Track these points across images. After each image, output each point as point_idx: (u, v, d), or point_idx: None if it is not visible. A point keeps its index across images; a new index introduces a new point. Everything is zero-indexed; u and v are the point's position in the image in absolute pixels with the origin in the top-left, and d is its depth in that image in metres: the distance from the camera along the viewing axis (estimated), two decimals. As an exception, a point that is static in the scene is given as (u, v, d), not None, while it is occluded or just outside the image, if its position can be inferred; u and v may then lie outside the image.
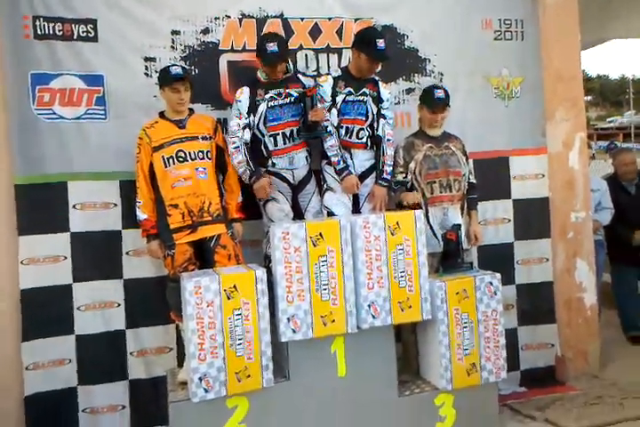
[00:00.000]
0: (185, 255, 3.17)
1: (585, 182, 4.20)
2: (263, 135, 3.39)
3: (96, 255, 3.36)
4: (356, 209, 3.53)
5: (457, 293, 3.13)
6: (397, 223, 3.07)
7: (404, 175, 3.51)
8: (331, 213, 3.43)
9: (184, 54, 3.55)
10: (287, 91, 3.39)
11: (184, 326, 2.89)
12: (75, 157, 3.37)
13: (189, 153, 3.19)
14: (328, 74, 3.50)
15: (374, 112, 3.49)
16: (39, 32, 3.31)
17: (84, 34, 3.39)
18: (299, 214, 3.48)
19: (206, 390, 2.75)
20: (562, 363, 4.05)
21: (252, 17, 3.64)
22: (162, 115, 3.27)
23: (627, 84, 35.32)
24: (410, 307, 3.06)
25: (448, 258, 3.39)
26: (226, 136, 3.36)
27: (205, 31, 3.58)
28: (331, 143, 3.39)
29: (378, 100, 3.49)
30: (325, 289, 2.95)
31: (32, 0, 3.29)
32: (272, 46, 3.23)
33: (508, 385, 3.79)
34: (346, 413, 3.00)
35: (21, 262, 3.27)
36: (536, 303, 4.01)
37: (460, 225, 3.45)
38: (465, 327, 3.13)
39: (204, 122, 3.30)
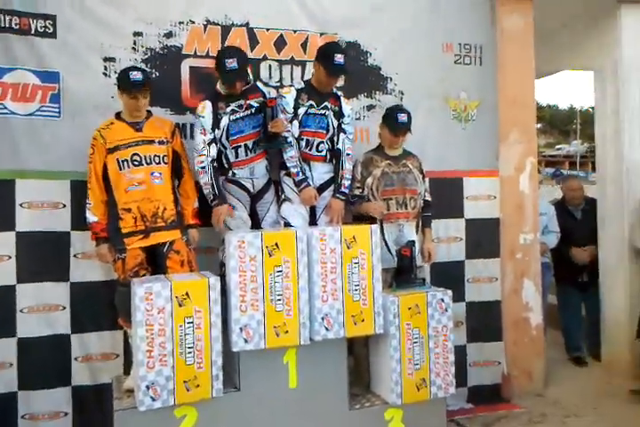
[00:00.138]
0: (136, 259, 3.09)
1: (534, 206, 4.32)
2: (225, 148, 3.35)
3: (42, 256, 3.24)
4: (313, 221, 3.52)
5: (409, 308, 3.14)
6: (354, 237, 3.07)
7: (360, 190, 3.54)
8: (287, 224, 3.41)
9: (145, 57, 3.49)
10: (248, 102, 3.36)
11: (133, 333, 2.79)
12: (25, 154, 3.26)
13: (145, 157, 3.12)
14: (291, 86, 3.50)
15: (335, 126, 3.50)
16: (-6, 25, 3.20)
17: (42, 29, 3.30)
18: (256, 224, 3.44)
19: (153, 399, 2.66)
20: (507, 381, 4.11)
21: (217, 24, 3.62)
22: (118, 116, 3.18)
23: (575, 114, 36.97)
24: (363, 320, 3.06)
25: (402, 273, 3.40)
26: (194, 154, 3.26)
27: (169, 35, 3.54)
28: (291, 155, 3.38)
29: (339, 114, 3.51)
30: (280, 300, 2.92)
31: (-13, -8, 3.20)
32: (231, 63, 3.17)
33: (455, 401, 3.82)
34: (296, 425, 2.96)
35: (-37, 260, 3.13)
36: (485, 321, 4.08)
37: (414, 241, 3.48)
38: (416, 342, 3.14)
39: (162, 126, 3.23)
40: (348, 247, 3.06)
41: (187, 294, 2.74)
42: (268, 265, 2.91)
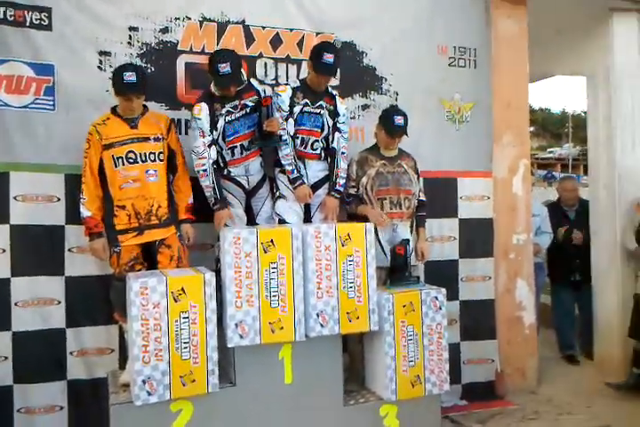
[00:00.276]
0: (131, 253, 3.08)
1: (527, 207, 4.37)
2: (221, 149, 3.35)
3: (37, 250, 3.22)
4: (307, 218, 3.52)
5: (404, 305, 3.15)
6: (348, 235, 3.08)
7: (355, 189, 3.54)
8: (282, 221, 3.40)
9: (141, 51, 3.48)
10: (242, 102, 3.34)
11: (128, 327, 2.78)
12: (19, 146, 3.23)
13: (140, 154, 3.10)
14: (287, 84, 3.50)
15: (330, 125, 3.50)
16: (-13, 16, 3.18)
17: (38, 21, 3.28)
18: (251, 219, 3.44)
19: (149, 394, 2.65)
20: (501, 378, 4.14)
21: (214, 21, 3.62)
22: (114, 111, 3.15)
23: (567, 118, 37.36)
24: (358, 317, 3.06)
25: (396, 271, 3.40)
26: (194, 157, 3.23)
27: (164, 30, 3.53)
28: (286, 152, 3.38)
29: (334, 113, 3.51)
30: (275, 296, 2.91)
31: (-18, -17, 3.18)
32: (224, 67, 3.14)
33: (449, 398, 3.84)
34: (291, 420, 2.95)
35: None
36: (478, 320, 4.10)
37: (408, 240, 3.48)
38: (410, 340, 3.15)
39: (157, 121, 3.20)
40: (343, 245, 3.06)
41: (182, 289, 2.73)
42: (263, 261, 2.91)
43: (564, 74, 5.85)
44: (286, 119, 3.38)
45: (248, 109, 3.37)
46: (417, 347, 3.15)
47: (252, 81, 3.50)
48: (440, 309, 3.22)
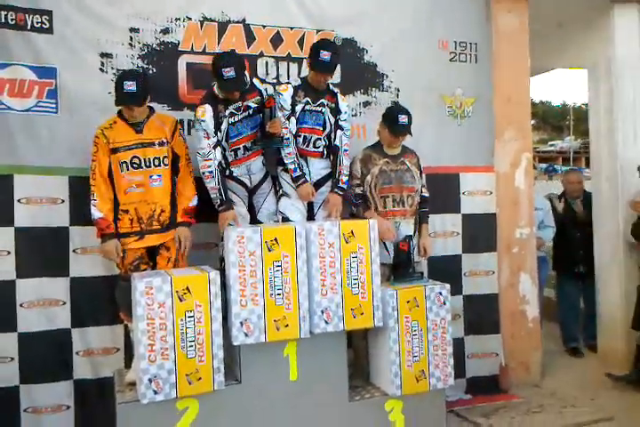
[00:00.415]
0: (136, 253, 3.11)
1: (530, 201, 4.38)
2: (225, 150, 3.35)
3: (42, 252, 3.25)
4: (311, 216, 3.53)
5: (408, 301, 3.17)
6: (352, 232, 3.09)
7: (361, 188, 3.52)
8: (286, 219, 3.41)
9: (142, 52, 3.50)
10: (245, 103, 3.34)
11: (134, 327, 2.81)
12: (22, 149, 3.26)
13: (144, 160, 3.10)
14: (288, 83, 3.51)
15: (331, 123, 3.51)
16: (-11, 20, 3.20)
17: (39, 25, 3.29)
18: (253, 216, 3.46)
19: (156, 392, 2.68)
20: (505, 372, 4.16)
21: (214, 20, 3.63)
22: (120, 114, 3.13)
23: (567, 111, 37.29)
24: (362, 314, 3.08)
25: (399, 267, 3.42)
26: (199, 159, 3.22)
27: (165, 31, 3.54)
28: (288, 151, 3.38)
29: (336, 111, 3.51)
30: (279, 294, 2.93)
31: (-18, -13, 3.18)
32: (228, 72, 3.12)
33: (454, 392, 3.86)
34: (296, 416, 2.98)
35: (-37, 256, 3.13)
36: (482, 314, 4.12)
37: (411, 236, 3.49)
38: (415, 335, 3.17)
39: (163, 124, 3.18)
40: (347, 242, 3.07)
41: (187, 288, 2.75)
42: (267, 260, 2.92)
43: (564, 67, 5.84)
44: (288, 118, 3.38)
45: (251, 111, 3.37)
46: (421, 342, 3.17)
47: (255, 81, 3.49)
48: (444, 304, 3.24)
